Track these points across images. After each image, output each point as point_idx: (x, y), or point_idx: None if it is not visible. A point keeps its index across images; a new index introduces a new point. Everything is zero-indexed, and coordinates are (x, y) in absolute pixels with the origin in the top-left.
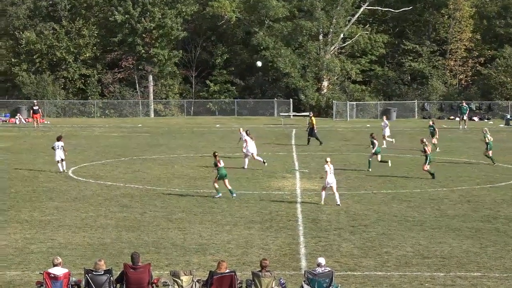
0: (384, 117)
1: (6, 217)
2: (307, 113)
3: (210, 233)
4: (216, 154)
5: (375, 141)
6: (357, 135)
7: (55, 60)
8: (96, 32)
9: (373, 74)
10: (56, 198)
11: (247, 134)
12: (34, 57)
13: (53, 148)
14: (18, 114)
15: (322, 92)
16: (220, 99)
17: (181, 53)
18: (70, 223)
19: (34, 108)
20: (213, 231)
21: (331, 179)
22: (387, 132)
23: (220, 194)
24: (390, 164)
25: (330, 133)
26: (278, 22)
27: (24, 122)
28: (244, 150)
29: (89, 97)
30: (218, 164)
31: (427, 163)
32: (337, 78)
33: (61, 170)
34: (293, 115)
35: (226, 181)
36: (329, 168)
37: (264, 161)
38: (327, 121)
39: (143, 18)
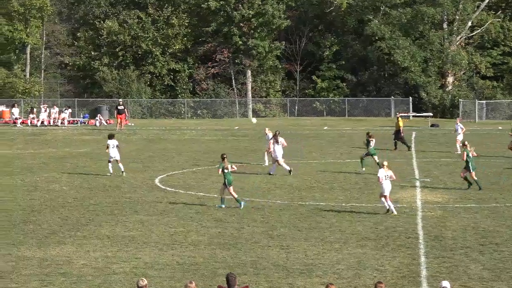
0: (458, 120)
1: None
2: (428, 114)
3: (316, 251)
4: (225, 156)
5: (371, 140)
6: (487, 139)
7: (140, 53)
8: (187, 21)
9: (506, 68)
10: (141, 211)
11: (275, 137)
12: (117, 49)
13: (107, 147)
14: (98, 115)
15: (447, 89)
16: (328, 97)
17: (284, 44)
18: (157, 240)
19: (119, 108)
20: (320, 250)
21: (387, 186)
22: (461, 136)
23: (224, 205)
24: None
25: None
26: (395, 9)
27: (105, 124)
28: (272, 154)
29: (179, 96)
30: (227, 168)
31: (471, 170)
32: (464, 73)
33: (111, 171)
34: (413, 116)
35: (231, 188)
36: (385, 173)
37: (291, 170)
38: (452, 123)
39: (240, 5)
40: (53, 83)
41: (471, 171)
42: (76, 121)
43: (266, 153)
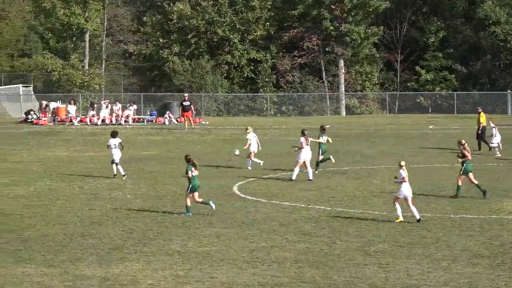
0: (491, 121)
1: None
2: None
3: (420, 270)
4: (190, 158)
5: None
6: None
7: (215, 40)
8: (270, 3)
9: None
10: (217, 223)
11: (305, 136)
12: (189, 36)
13: (108, 146)
14: (168, 112)
15: None
16: (434, 91)
17: (382, 30)
18: (235, 256)
19: (184, 104)
20: (424, 268)
21: (407, 189)
22: (497, 138)
23: (190, 214)
24: (333, 160)
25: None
26: None
27: (175, 122)
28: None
29: (260, 90)
30: (192, 171)
31: (462, 173)
32: None
33: (115, 173)
34: None
35: (196, 195)
36: (406, 174)
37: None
38: None
39: None
40: (116, 75)
41: (463, 173)
42: (142, 119)
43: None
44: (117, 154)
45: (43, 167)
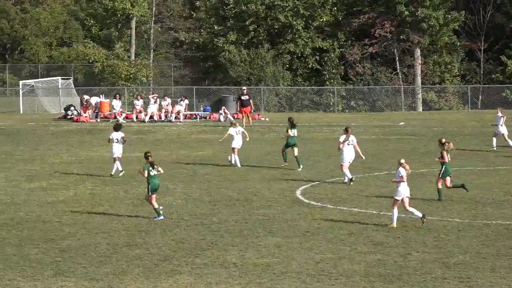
0: (499, 110)
1: None
2: None
3: (507, 285)
4: (149, 155)
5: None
6: None
7: (276, 27)
8: None
9: None
10: (277, 232)
11: (347, 134)
12: (247, 23)
13: (109, 140)
14: (223, 108)
15: None
16: None
17: (464, 15)
18: (298, 269)
19: (243, 98)
20: (511, 283)
21: (405, 189)
22: (503, 129)
23: (162, 217)
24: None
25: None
26: None
27: (232, 119)
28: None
29: (327, 82)
30: (150, 171)
31: (441, 175)
32: None
33: (119, 169)
34: None
35: (154, 197)
36: (406, 172)
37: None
38: None
39: None
40: (165, 67)
41: (442, 176)
42: (194, 116)
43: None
44: (118, 149)
45: (84, 169)
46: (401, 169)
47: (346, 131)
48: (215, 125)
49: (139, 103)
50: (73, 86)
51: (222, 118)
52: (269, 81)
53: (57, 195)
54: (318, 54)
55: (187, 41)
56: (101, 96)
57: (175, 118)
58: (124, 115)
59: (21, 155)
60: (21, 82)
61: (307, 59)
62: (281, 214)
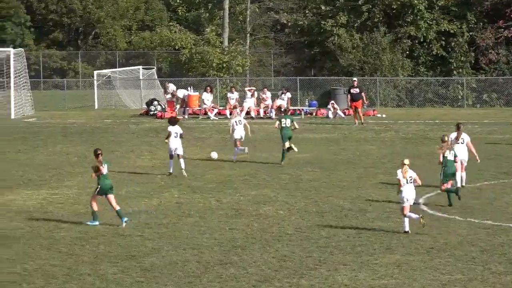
0: None
1: None
2: None
3: None
4: (99, 153)
5: None
6: None
7: (394, 7)
8: None
9: None
10: (397, 248)
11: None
12: (359, 2)
13: (167, 136)
14: (332, 102)
15: None
16: None
17: None
18: None
19: (353, 91)
20: None
21: (409, 193)
22: None
23: (97, 223)
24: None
25: None
26: None
27: (342, 115)
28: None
29: (454, 72)
30: (101, 169)
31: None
32: None
33: (171, 171)
34: None
35: (111, 197)
36: (407, 175)
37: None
38: None
39: None
40: (264, 54)
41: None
42: (298, 111)
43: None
44: (178, 145)
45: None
46: (398, 171)
47: (457, 128)
48: (323, 122)
49: (233, 97)
50: (156, 77)
51: (330, 114)
52: (386, 71)
53: (138, 205)
54: (443, 39)
55: (289, 24)
56: (189, 88)
57: (276, 114)
58: (216, 111)
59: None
60: (95, 72)
61: (430, 45)
62: (401, 227)
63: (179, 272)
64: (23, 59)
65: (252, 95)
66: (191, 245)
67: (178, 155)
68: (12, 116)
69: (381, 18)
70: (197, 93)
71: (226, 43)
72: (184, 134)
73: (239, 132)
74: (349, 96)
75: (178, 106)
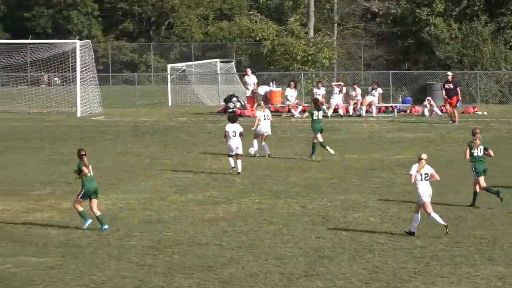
0: None
1: None
2: None
3: None
4: (83, 154)
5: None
6: None
7: None
8: None
9: None
10: (499, 259)
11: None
12: None
13: (225, 135)
14: (428, 99)
15: None
16: None
17: None
18: None
19: (447, 86)
20: None
21: (425, 190)
22: None
23: (89, 221)
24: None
25: None
26: None
27: (439, 112)
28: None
29: None
30: (85, 170)
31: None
32: None
33: (233, 166)
34: None
35: (94, 202)
36: (423, 171)
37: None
38: None
39: None
40: (353, 46)
41: (476, 176)
42: (391, 108)
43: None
44: (238, 144)
45: (251, 177)
46: (414, 165)
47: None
48: (418, 120)
49: (320, 93)
50: (235, 71)
51: (426, 112)
52: (487, 64)
53: (216, 211)
54: None
55: (381, 13)
56: (271, 84)
57: (366, 111)
58: (300, 108)
59: (170, 159)
60: (169, 66)
61: None
62: (504, 235)
63: (261, 285)
64: (90, 52)
65: (340, 91)
66: (273, 255)
67: (237, 154)
68: (79, 114)
69: (481, 6)
70: (279, 89)
71: (311, 33)
72: (243, 133)
73: (265, 127)
74: (443, 91)
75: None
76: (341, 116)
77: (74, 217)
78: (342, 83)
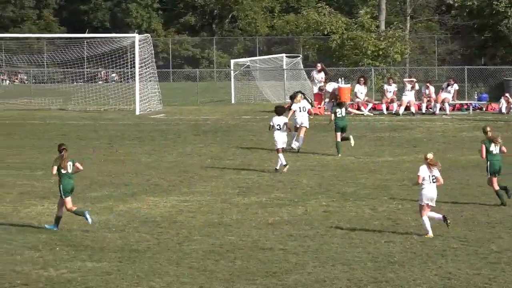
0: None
1: None
2: None
3: None
4: (64, 148)
5: None
6: None
7: None
8: None
9: None
10: None
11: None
12: None
13: (270, 127)
14: (505, 96)
15: None
16: None
17: None
18: None
19: None
20: None
21: (431, 193)
22: None
23: (87, 213)
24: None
25: None
26: None
27: None
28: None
29: None
30: (65, 167)
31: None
32: None
33: (282, 163)
34: None
35: (68, 200)
36: (430, 171)
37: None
38: None
39: None
40: (427, 40)
41: (490, 174)
42: (466, 106)
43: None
44: (284, 138)
45: (318, 178)
46: (422, 167)
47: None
48: (495, 119)
49: (391, 89)
50: (302, 67)
51: (504, 109)
52: None
53: (281, 214)
54: None
55: (456, 5)
56: (340, 80)
57: (440, 109)
58: (370, 105)
59: (232, 159)
60: (232, 61)
61: None
62: None
63: None
64: (150, 46)
65: (413, 88)
66: (340, 261)
67: (283, 148)
68: (137, 112)
69: None
70: (349, 85)
71: (383, 27)
72: (290, 126)
73: (300, 118)
74: None
75: (327, 100)
76: (413, 114)
77: (132, 220)
78: (414, 79)
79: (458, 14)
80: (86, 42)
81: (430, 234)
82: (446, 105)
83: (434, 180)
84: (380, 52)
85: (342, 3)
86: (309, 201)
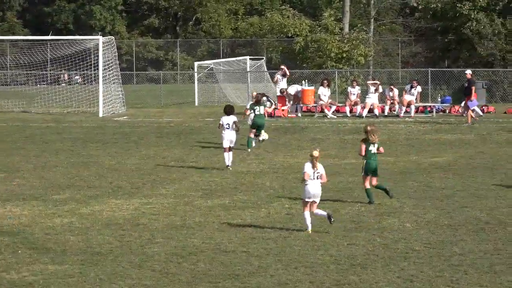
0: None
1: None
2: None
3: None
4: None
5: None
6: None
7: None
8: None
9: None
10: None
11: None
12: None
13: (219, 126)
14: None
15: None
16: None
17: None
18: None
19: (466, 85)
20: None
21: (315, 189)
22: None
23: None
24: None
25: None
26: None
27: (480, 113)
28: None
29: None
30: None
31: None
32: None
33: (226, 163)
34: None
35: None
36: (314, 168)
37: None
38: None
39: None
40: (390, 42)
41: (365, 173)
42: (429, 108)
43: None
44: (232, 137)
45: (279, 180)
46: (307, 164)
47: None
48: (458, 121)
49: (355, 92)
50: (265, 69)
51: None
52: None
53: (244, 216)
54: None
55: (420, 8)
56: (303, 82)
57: (405, 112)
58: (334, 108)
59: (195, 161)
60: (196, 64)
61: None
62: None
63: None
64: (113, 49)
65: (376, 90)
66: (303, 263)
67: (230, 147)
68: (101, 114)
69: None
70: (312, 88)
71: (346, 29)
72: (238, 124)
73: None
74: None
75: (290, 103)
76: (376, 116)
77: (95, 222)
78: (378, 82)
79: (422, 16)
80: (50, 44)
81: (309, 230)
82: (412, 107)
83: (318, 177)
84: (344, 55)
85: (306, 6)
86: (272, 203)
